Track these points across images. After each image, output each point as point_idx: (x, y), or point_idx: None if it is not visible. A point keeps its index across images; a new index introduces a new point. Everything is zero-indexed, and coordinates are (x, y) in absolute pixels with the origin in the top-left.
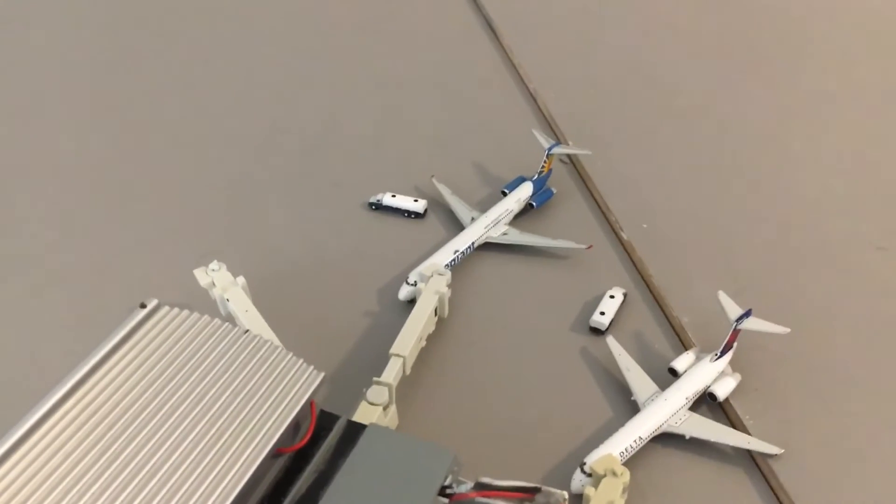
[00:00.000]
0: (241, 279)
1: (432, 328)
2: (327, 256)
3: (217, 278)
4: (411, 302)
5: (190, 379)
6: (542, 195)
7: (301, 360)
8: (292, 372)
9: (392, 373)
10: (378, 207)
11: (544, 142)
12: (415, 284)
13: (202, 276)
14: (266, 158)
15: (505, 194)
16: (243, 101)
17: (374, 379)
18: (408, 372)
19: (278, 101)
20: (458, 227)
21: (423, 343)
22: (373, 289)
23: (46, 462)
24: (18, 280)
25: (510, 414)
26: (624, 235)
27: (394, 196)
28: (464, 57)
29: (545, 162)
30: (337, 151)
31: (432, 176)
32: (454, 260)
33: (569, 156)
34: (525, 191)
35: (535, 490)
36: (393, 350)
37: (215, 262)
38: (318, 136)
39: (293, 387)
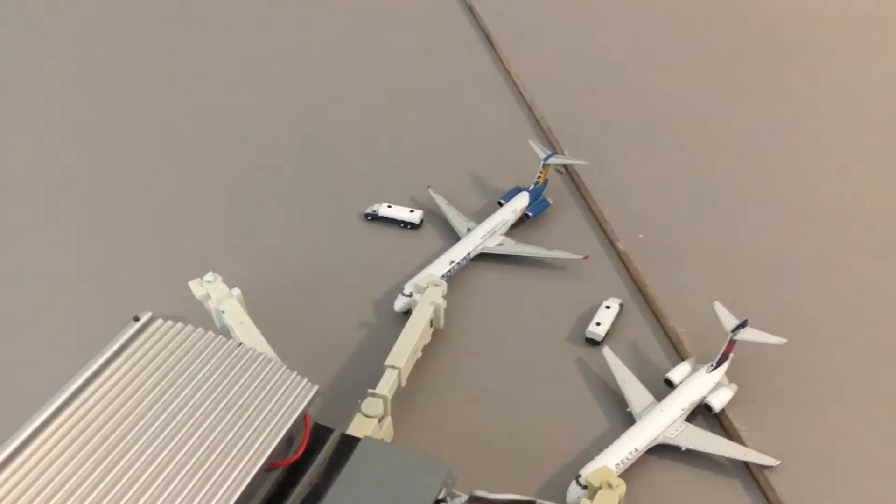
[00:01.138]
0: (236, 291)
1: (428, 339)
2: (323, 267)
3: (212, 290)
4: (407, 313)
5: (183, 392)
6: (539, 205)
7: (294, 373)
8: (286, 385)
9: (387, 385)
10: (374, 218)
11: (540, 152)
12: (410, 295)
13: (197, 287)
14: (261, 169)
15: (501, 204)
16: (239, 113)
17: (370, 391)
18: (403, 384)
19: (274, 112)
20: (454, 237)
21: (419, 354)
22: (368, 300)
23: (40, 475)
24: (12, 291)
25: (505, 425)
26: (620, 246)
27: (390, 207)
28: (460, 67)
29: (541, 172)
30: (333, 162)
31: (428, 186)
32: (450, 271)
33: (565, 166)
34: (521, 201)
35: (530, 503)
36: (388, 362)
37: (210, 273)
38: (313, 148)
39: (286, 400)
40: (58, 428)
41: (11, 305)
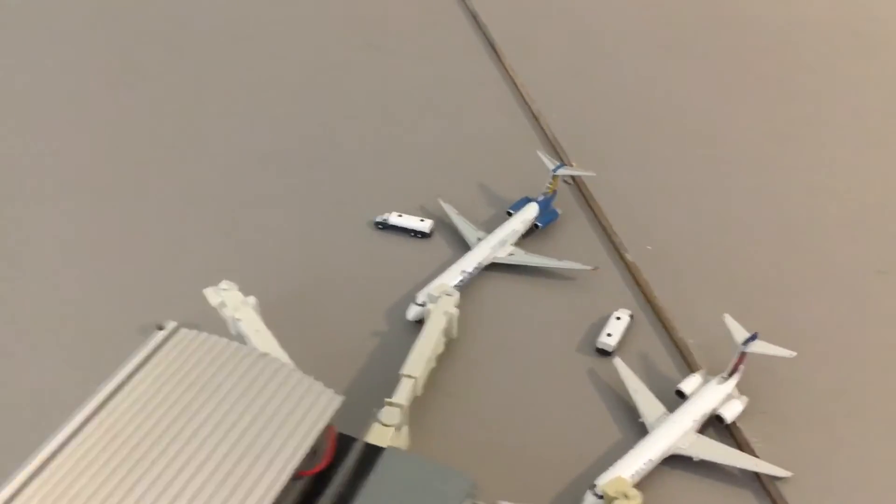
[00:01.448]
0: (252, 299)
1: (442, 348)
2: (335, 275)
3: (228, 298)
4: (419, 322)
5: (210, 402)
6: (548, 216)
7: (319, 384)
8: (311, 395)
9: (405, 394)
10: (384, 227)
11: (549, 163)
12: (423, 305)
13: (212, 295)
14: (274, 178)
15: (510, 215)
16: (252, 121)
17: (387, 400)
18: (419, 393)
19: (287, 121)
20: (464, 246)
21: (434, 364)
22: (380, 308)
23: (70, 484)
24: (33, 303)
25: (519, 435)
26: (629, 257)
27: (400, 216)
28: (468, 78)
29: (550, 183)
30: (344, 172)
31: (438, 196)
32: (462, 280)
33: (573, 177)
34: (530, 211)
35: None
36: (405, 370)
37: (225, 281)
38: (325, 157)
39: (311, 410)
40: (87, 438)
41: (30, 317)
